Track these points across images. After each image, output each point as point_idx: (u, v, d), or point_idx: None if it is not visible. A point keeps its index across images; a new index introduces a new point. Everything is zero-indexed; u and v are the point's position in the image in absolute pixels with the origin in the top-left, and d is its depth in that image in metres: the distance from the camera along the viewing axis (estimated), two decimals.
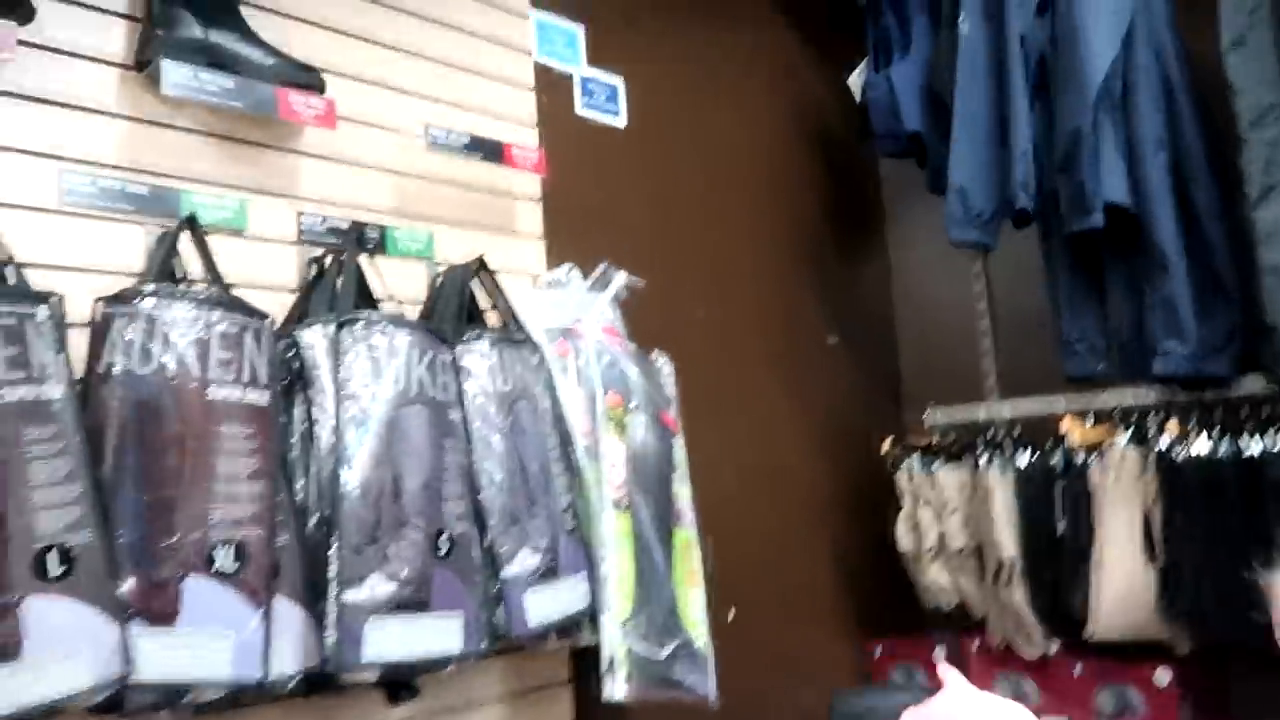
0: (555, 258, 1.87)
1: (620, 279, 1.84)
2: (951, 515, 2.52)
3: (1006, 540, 2.37)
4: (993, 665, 2.48)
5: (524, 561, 1.47)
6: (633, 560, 1.58)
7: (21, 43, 1.24)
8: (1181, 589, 2.08)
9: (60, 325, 1.14)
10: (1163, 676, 2.21)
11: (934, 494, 2.55)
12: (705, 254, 2.25)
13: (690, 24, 2.31)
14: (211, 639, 1.15)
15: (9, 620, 1.01)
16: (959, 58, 2.13)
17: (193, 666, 1.14)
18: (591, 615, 1.54)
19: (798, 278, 2.60)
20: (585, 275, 1.84)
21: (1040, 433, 2.43)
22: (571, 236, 1.91)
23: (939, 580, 2.53)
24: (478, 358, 1.53)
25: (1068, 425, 2.34)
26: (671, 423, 1.76)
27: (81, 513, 1.09)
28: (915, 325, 2.95)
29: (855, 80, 2.49)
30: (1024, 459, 2.40)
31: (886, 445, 2.61)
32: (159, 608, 1.13)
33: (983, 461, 2.46)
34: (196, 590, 1.15)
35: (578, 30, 2.04)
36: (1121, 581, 2.16)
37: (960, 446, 2.56)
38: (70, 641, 1.05)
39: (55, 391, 1.10)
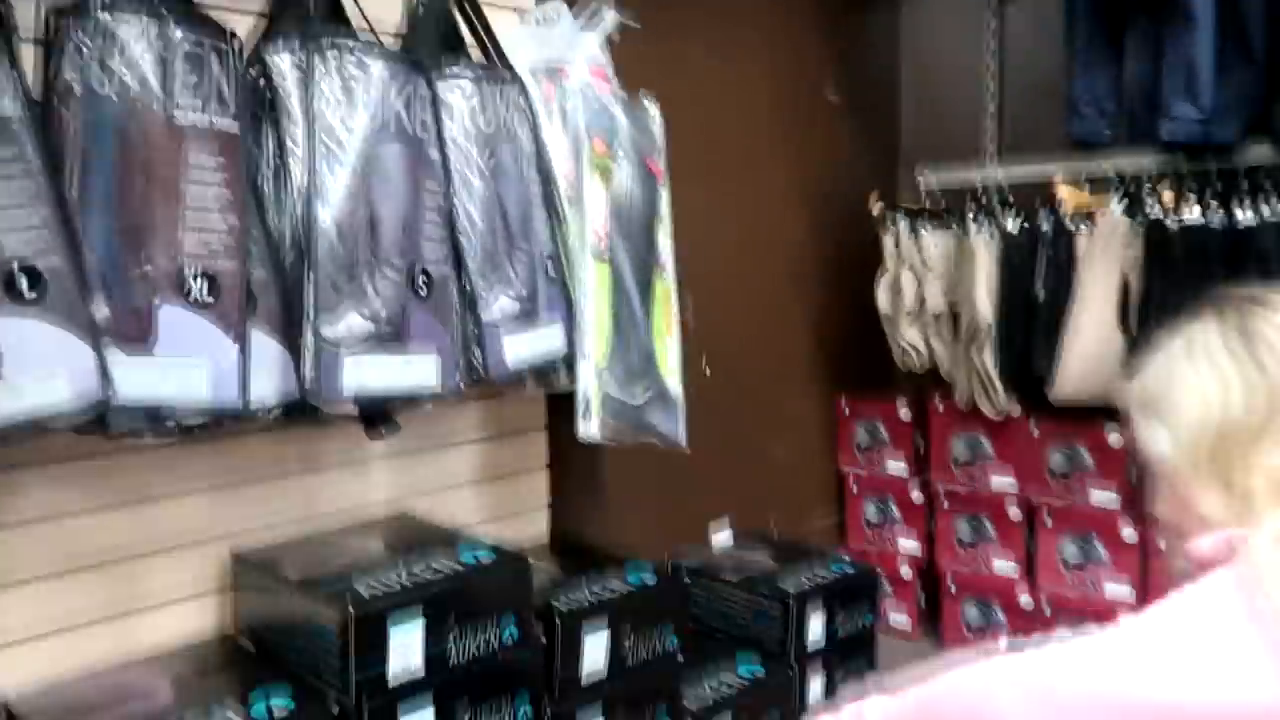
0: None
1: (611, 18, 1.72)
2: (933, 278, 2.54)
3: (984, 303, 2.40)
4: (953, 423, 2.60)
5: (502, 304, 1.48)
6: (611, 307, 1.59)
7: None
8: None
9: (8, 35, 1.06)
10: (1115, 437, 2.32)
11: (918, 256, 2.55)
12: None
13: None
14: (189, 365, 1.17)
15: None
16: None
17: (171, 389, 1.16)
18: (568, 360, 1.57)
19: (801, 27, 2.46)
20: (574, 12, 1.73)
21: (1033, 200, 2.40)
22: None
23: (913, 342, 2.59)
24: (459, 94, 1.46)
25: (1061, 190, 2.32)
26: (657, 170, 1.72)
27: (49, 236, 1.07)
28: (920, 83, 2.84)
29: None
30: (1012, 223, 2.39)
31: (875, 205, 2.58)
32: (134, 333, 1.13)
33: (970, 224, 2.45)
34: (171, 317, 1.15)
35: None
36: (1092, 345, 2.22)
37: (949, 210, 2.54)
38: (47, 361, 1.06)
39: (10, 109, 1.05)
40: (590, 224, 1.59)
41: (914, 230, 2.54)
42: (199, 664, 1.37)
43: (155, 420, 1.18)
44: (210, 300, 1.17)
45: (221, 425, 1.25)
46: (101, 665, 1.33)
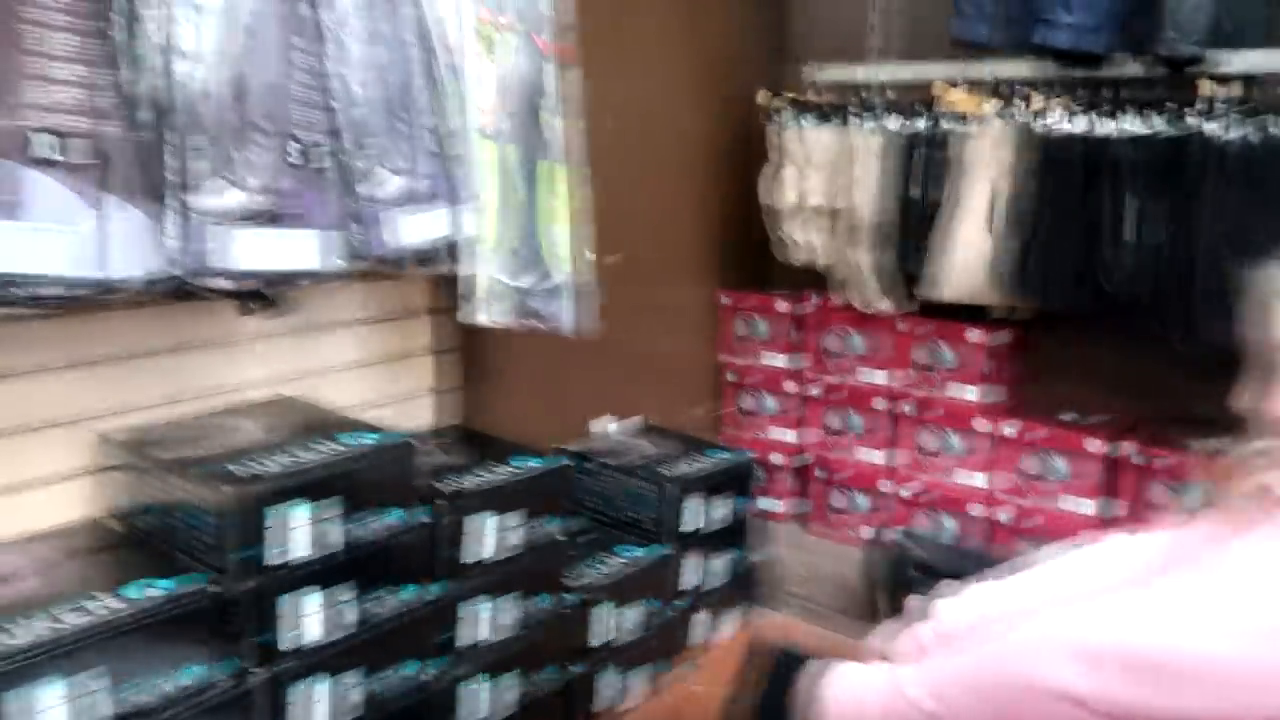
0: None
1: None
2: (816, 173, 2.57)
3: (864, 202, 2.45)
4: (829, 319, 2.68)
5: (383, 180, 1.41)
6: (498, 190, 1.54)
7: None
8: (1025, 257, 2.24)
9: None
10: (973, 335, 2.45)
11: (802, 151, 2.57)
12: None
13: None
14: (41, 231, 1.08)
15: None
16: None
17: (23, 260, 1.07)
18: (452, 243, 1.52)
19: None
20: None
21: (915, 101, 2.44)
22: None
23: (795, 237, 2.63)
24: None
25: (940, 91, 2.36)
26: (545, 46, 1.66)
27: None
28: None
29: None
30: (893, 123, 2.43)
31: (761, 98, 2.58)
32: None
33: (853, 122, 2.47)
34: (18, 178, 1.05)
35: None
36: (968, 248, 2.31)
37: (833, 106, 2.56)
38: None
39: None
40: (475, 99, 1.53)
41: (798, 124, 2.55)
42: (68, 549, 1.30)
43: (5, 289, 1.09)
44: (59, 159, 1.07)
45: (79, 300, 1.16)
46: None
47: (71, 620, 1.09)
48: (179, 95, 1.17)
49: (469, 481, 1.51)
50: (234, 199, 1.22)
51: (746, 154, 2.62)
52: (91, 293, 1.14)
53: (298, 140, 1.29)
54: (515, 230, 1.56)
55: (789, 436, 2.77)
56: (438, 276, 1.64)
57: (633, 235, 2.31)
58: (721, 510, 1.94)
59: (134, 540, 1.34)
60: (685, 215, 2.60)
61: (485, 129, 1.53)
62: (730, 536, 1.97)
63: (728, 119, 2.61)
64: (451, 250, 1.52)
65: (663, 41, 2.39)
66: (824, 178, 2.54)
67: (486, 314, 1.56)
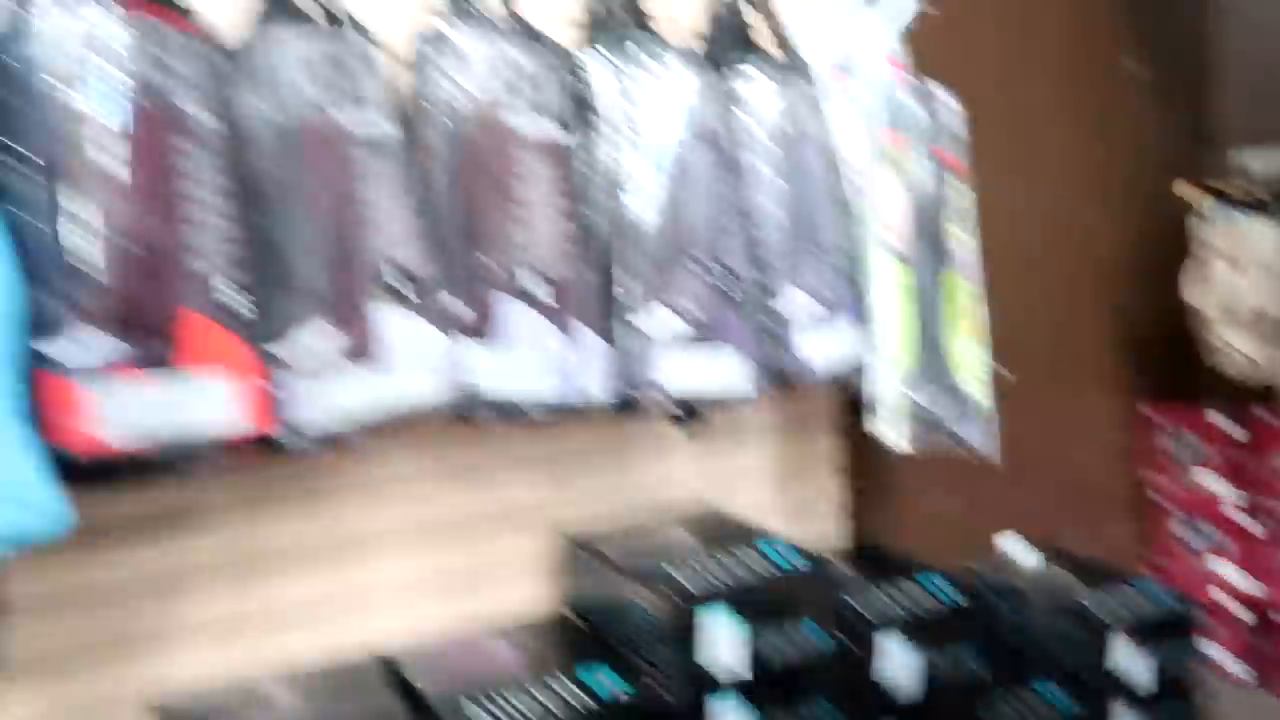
0: None
1: (905, 2, 1.68)
2: (1252, 273, 2.27)
3: None
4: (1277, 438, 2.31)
5: (795, 300, 1.47)
6: (908, 306, 1.54)
7: None
8: None
9: (381, 57, 1.19)
10: None
11: (1233, 247, 2.29)
12: None
13: None
14: (525, 357, 1.25)
15: (360, 326, 1.13)
16: None
17: (514, 383, 1.24)
18: (860, 359, 1.53)
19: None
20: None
21: None
22: None
23: (1229, 342, 2.32)
24: (756, 91, 1.48)
25: None
26: (953, 162, 1.65)
27: (413, 235, 1.18)
28: (1235, 51, 2.55)
29: None
30: None
31: (1186, 190, 2.34)
32: (479, 328, 1.23)
33: None
34: (508, 311, 1.23)
35: None
36: None
37: (1274, 196, 2.27)
38: (416, 355, 1.18)
39: (381, 118, 1.16)
40: (884, 219, 1.55)
41: (1228, 217, 2.28)
42: (536, 635, 1.45)
43: (502, 412, 1.26)
44: (541, 293, 1.24)
45: (556, 415, 1.31)
46: (453, 627, 1.44)
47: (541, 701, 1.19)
48: (625, 229, 1.31)
49: (878, 601, 1.47)
50: (670, 322, 1.33)
51: (1163, 250, 2.39)
52: (556, 408, 1.28)
53: (721, 265, 1.39)
54: (922, 346, 1.54)
55: (1235, 575, 2.39)
56: (844, 391, 1.65)
57: (1036, 346, 2.18)
58: (1157, 659, 1.70)
59: (583, 632, 1.45)
60: (1093, 321, 2.41)
61: (894, 246, 1.54)
62: (1174, 695, 1.71)
63: (1139, 214, 2.41)
64: (859, 366, 1.52)
65: (1062, 140, 2.28)
66: (1263, 278, 2.24)
67: (893, 430, 1.54)
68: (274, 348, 1.08)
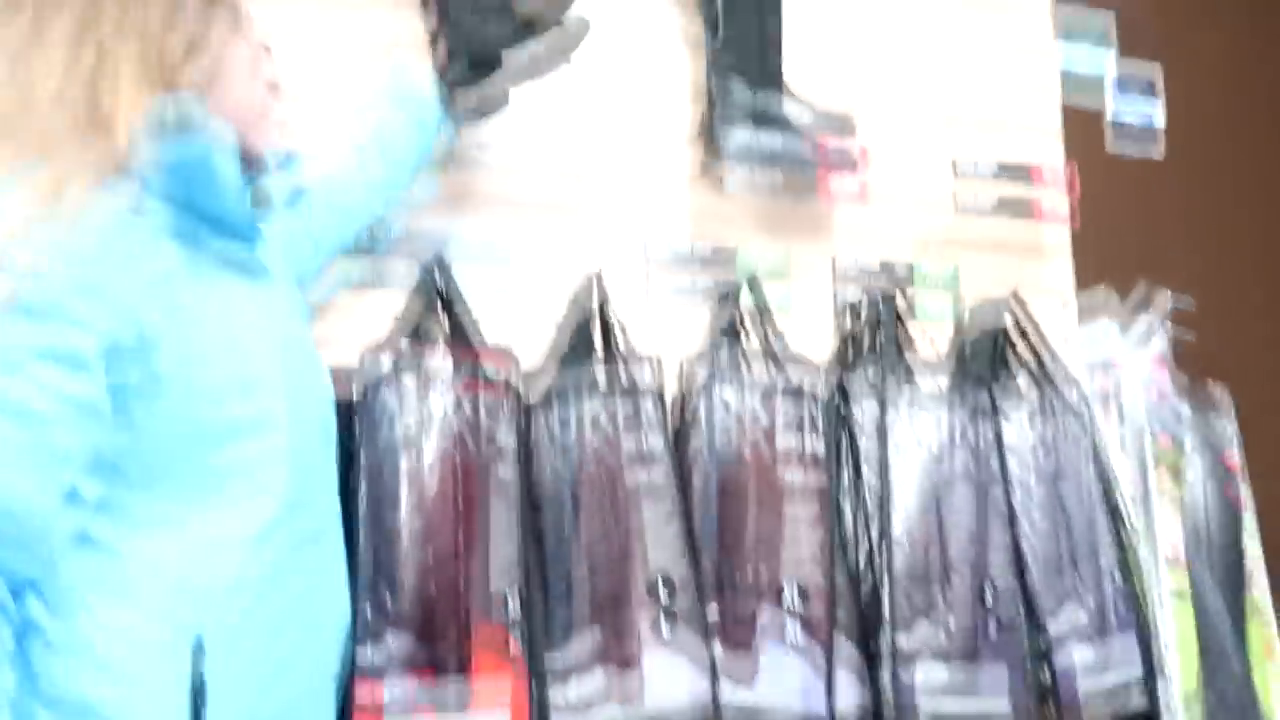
0: (1086, 280, 1.75)
1: (1164, 301, 1.67)
2: None
3: None
4: None
5: (1069, 617, 1.42)
6: (1194, 626, 1.44)
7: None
8: None
9: (660, 383, 1.31)
10: None
11: None
12: (1261, 263, 1.96)
13: (1229, 11, 2.01)
14: (783, 670, 1.26)
15: (631, 639, 1.19)
16: None
17: (768, 695, 1.25)
18: (1144, 683, 1.42)
19: None
20: (1121, 298, 1.70)
21: None
22: (1103, 255, 1.77)
23: None
24: (1016, 402, 1.50)
25: None
26: (1234, 467, 1.57)
27: (680, 548, 1.25)
28: None
29: None
30: None
31: None
32: (738, 636, 1.26)
33: None
34: (768, 623, 1.27)
35: (1107, 22, 1.87)
36: None
37: None
38: (673, 660, 1.21)
39: (658, 443, 1.28)
40: (1161, 528, 1.48)
41: None
42: None
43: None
44: (801, 606, 1.27)
45: None
46: None
47: None
48: (892, 548, 1.33)
49: None
50: (934, 639, 1.32)
51: None
52: None
53: (992, 582, 1.37)
54: (1219, 673, 1.42)
55: None
56: (1124, 715, 1.53)
57: None
58: None
59: None
60: None
61: (1174, 559, 1.46)
62: None
63: None
64: (1143, 691, 1.42)
65: None
66: None
67: None
68: (551, 662, 1.17)
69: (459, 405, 1.19)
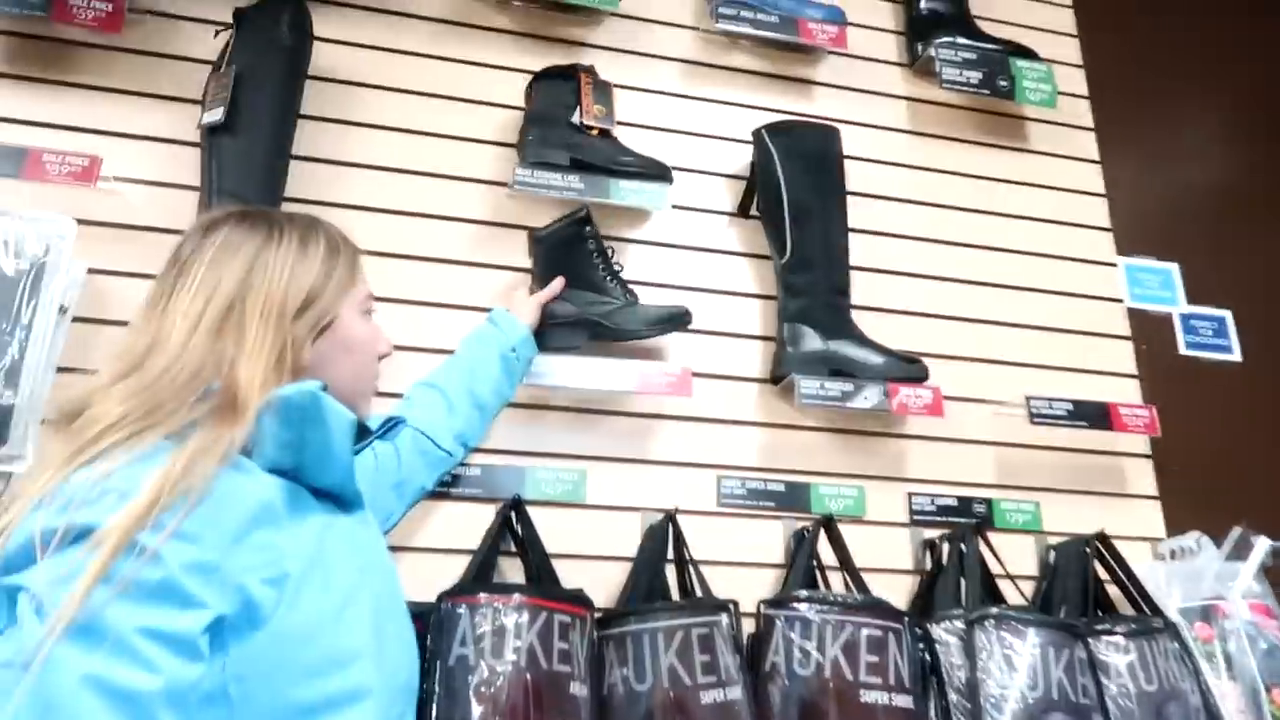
0: (1175, 522, 1.70)
1: (1263, 545, 1.60)
2: None
3: None
4: None
5: None
6: None
7: (695, 374, 1.50)
8: None
9: (737, 628, 1.28)
10: None
11: None
12: None
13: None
14: None
15: None
16: None
17: None
18: None
19: None
20: (1215, 540, 1.64)
21: None
22: (1190, 495, 1.73)
23: None
24: (1115, 652, 1.41)
25: None
26: None
27: None
28: None
29: None
30: None
31: None
32: None
33: None
34: None
35: (1172, 269, 1.92)
36: None
37: None
38: None
39: (736, 692, 1.24)
40: None
41: None
42: None
43: None
44: None
45: None
46: None
47: None
48: None
49: None
50: None
51: None
52: None
53: None
54: None
55: None
56: None
57: None
58: None
59: None
60: None
61: None
62: None
63: None
64: None
65: None
66: None
67: None
68: None
69: (532, 624, 1.19)
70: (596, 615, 1.28)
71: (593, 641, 1.25)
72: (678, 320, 1.48)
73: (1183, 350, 1.87)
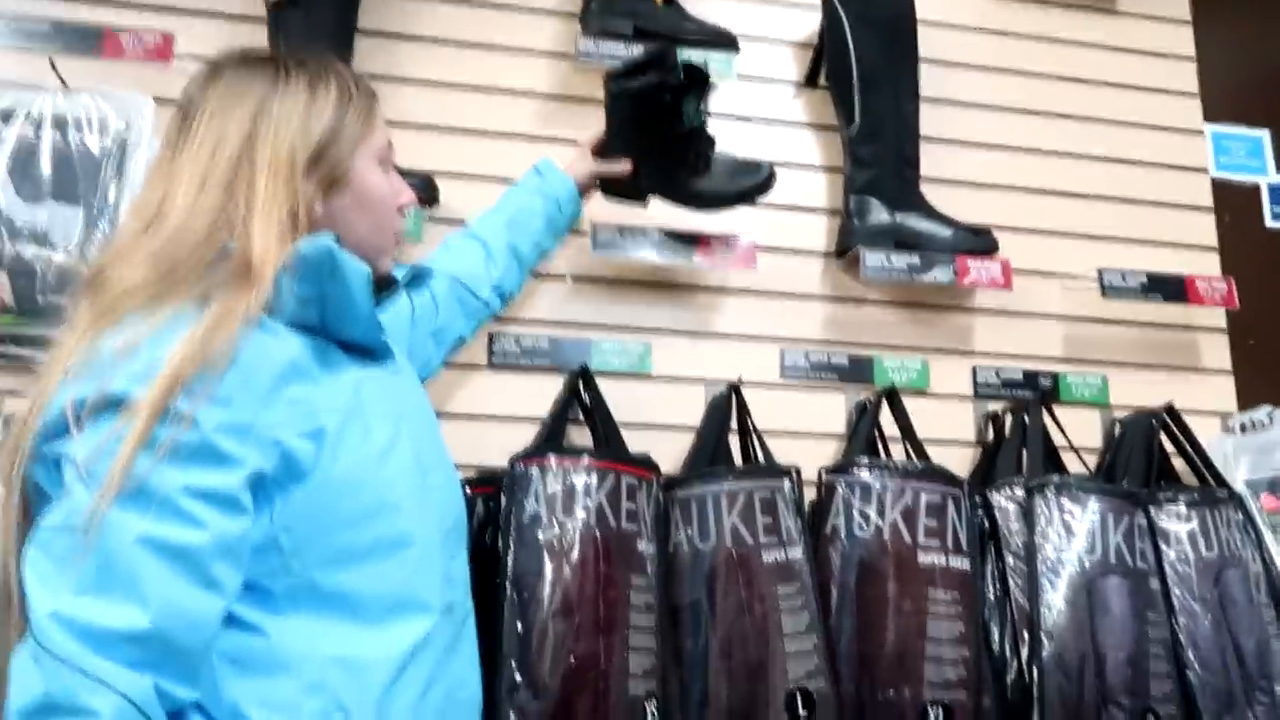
0: (1247, 396, 1.67)
1: None
2: None
3: None
4: None
5: None
6: None
7: (759, 247, 1.50)
8: None
9: (799, 494, 1.32)
10: None
11: None
12: None
13: None
14: None
15: None
16: None
17: None
18: None
19: None
20: None
21: None
22: (1265, 369, 1.69)
23: None
24: (1175, 521, 1.42)
25: None
26: None
27: (817, 661, 1.24)
28: None
29: None
30: None
31: None
32: None
33: None
34: None
35: (1262, 136, 1.83)
36: None
37: None
38: None
39: (797, 553, 1.28)
40: None
41: None
42: None
43: None
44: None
45: None
46: None
47: None
48: (1045, 670, 1.28)
49: None
50: None
51: None
52: None
53: (1154, 712, 1.29)
54: None
55: None
56: None
57: None
58: None
59: None
60: None
61: None
62: None
63: None
64: None
65: None
66: None
67: None
68: None
69: (600, 485, 1.24)
70: (662, 480, 1.33)
71: (659, 502, 1.30)
72: (762, 189, 1.42)
73: (1268, 223, 1.81)
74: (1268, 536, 1.47)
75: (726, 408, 1.45)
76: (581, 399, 1.43)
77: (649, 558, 1.25)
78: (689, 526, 1.30)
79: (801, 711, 1.22)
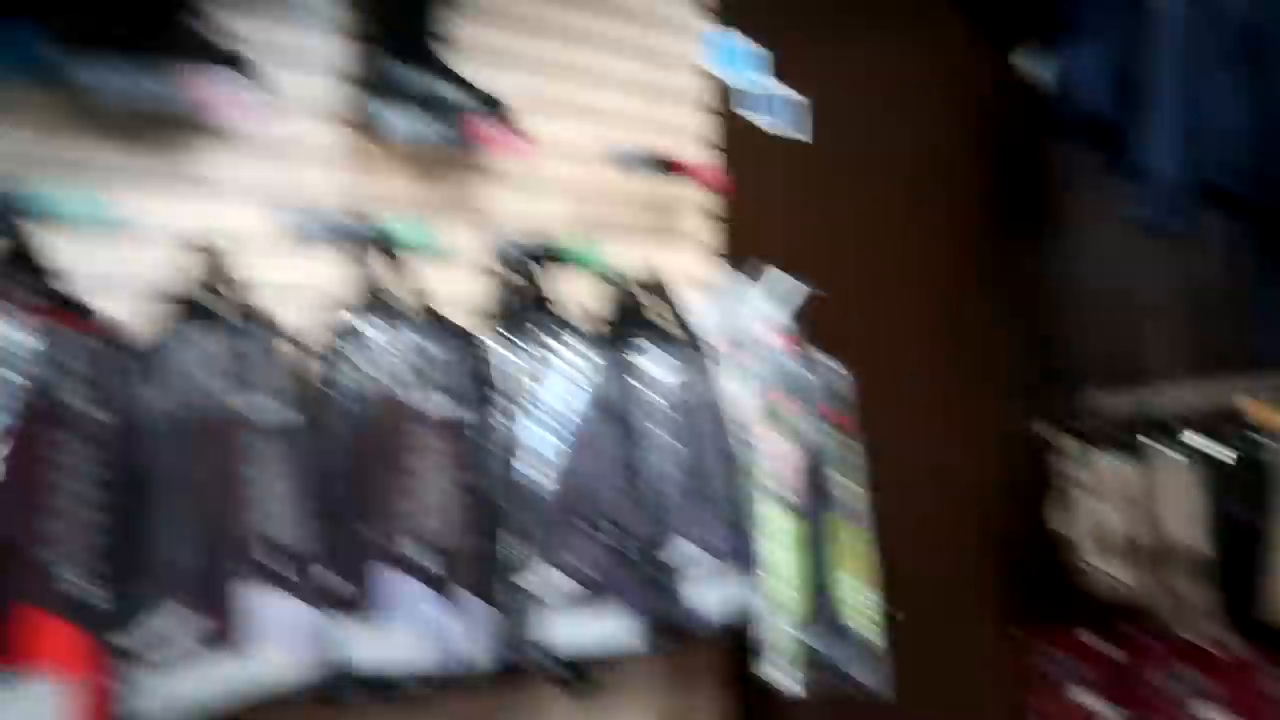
0: (729, 268, 1.92)
1: (788, 284, 1.86)
2: (1114, 504, 2.46)
3: (1180, 530, 2.31)
4: (1149, 655, 2.45)
5: (684, 552, 1.55)
6: (798, 553, 1.65)
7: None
8: None
9: (286, 349, 1.28)
10: None
11: (1095, 481, 2.49)
12: (880, 258, 2.28)
13: (868, 34, 2.28)
14: (406, 629, 1.28)
15: (223, 609, 1.15)
16: (1158, 36, 2.03)
17: (391, 656, 1.27)
18: (750, 606, 1.61)
19: (966, 270, 2.56)
20: (762, 285, 1.88)
21: (1215, 419, 2.33)
22: (744, 248, 1.95)
23: (1097, 567, 2.49)
24: (654, 364, 1.61)
25: (1254, 409, 2.25)
26: (838, 419, 1.81)
27: (297, 514, 1.22)
28: (1082, 308, 2.84)
29: (1028, 63, 2.42)
30: (1199, 443, 2.31)
31: (1045, 429, 2.56)
32: (357, 599, 1.26)
33: (1151, 448, 2.38)
34: (390, 583, 1.27)
35: (756, 47, 2.05)
36: None
37: (1124, 432, 2.49)
38: (277, 630, 1.19)
39: (283, 408, 1.24)
40: (774, 473, 1.68)
41: (1087, 455, 2.49)
42: None
43: (372, 689, 1.28)
44: (427, 566, 1.29)
45: (434, 687, 1.32)
46: None
47: None
48: (517, 496, 1.39)
49: None
50: (557, 582, 1.39)
51: (1030, 484, 2.57)
52: (433, 679, 1.30)
53: (612, 523, 1.47)
54: (812, 592, 1.64)
55: None
56: (734, 641, 1.72)
57: (921, 585, 2.28)
58: None
59: None
60: (971, 556, 2.55)
61: (780, 497, 1.67)
62: None
63: (1009, 451, 2.60)
64: (750, 614, 1.60)
65: (937, 392, 2.46)
66: (1125, 508, 2.43)
67: (785, 675, 1.62)
68: (122, 638, 1.09)
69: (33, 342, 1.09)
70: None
71: (113, 360, 1.16)
72: None
73: (756, 125, 2.05)
74: (727, 376, 1.73)
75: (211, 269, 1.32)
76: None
77: (87, 418, 1.11)
78: (154, 382, 1.18)
79: (268, 561, 1.19)
